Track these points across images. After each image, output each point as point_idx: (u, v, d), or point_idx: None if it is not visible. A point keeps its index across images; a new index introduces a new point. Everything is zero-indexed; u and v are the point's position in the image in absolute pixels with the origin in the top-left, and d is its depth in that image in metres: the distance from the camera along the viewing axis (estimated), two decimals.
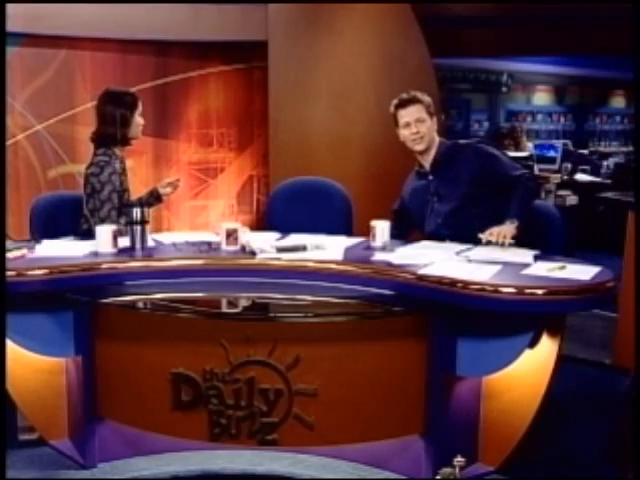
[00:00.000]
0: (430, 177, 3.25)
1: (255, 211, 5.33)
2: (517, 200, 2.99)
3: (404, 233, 3.31)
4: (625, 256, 3.88)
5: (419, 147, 3.20)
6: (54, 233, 3.17)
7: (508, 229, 2.89)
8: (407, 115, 3.17)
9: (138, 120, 3.35)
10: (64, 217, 3.38)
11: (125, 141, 3.35)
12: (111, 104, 3.32)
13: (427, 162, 3.25)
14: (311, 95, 4.92)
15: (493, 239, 2.86)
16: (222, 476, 2.73)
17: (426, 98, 3.21)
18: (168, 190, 3.49)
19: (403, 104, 3.19)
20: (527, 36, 6.88)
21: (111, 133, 3.30)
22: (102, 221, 3.17)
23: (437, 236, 3.19)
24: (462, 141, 3.30)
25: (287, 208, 3.70)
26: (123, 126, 3.30)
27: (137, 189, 3.64)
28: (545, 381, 2.60)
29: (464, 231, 3.06)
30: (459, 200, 3.14)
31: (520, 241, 2.93)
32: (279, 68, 4.87)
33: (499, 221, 2.96)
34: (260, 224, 5.05)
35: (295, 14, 4.87)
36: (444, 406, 2.62)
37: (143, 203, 3.16)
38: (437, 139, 3.24)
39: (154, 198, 3.48)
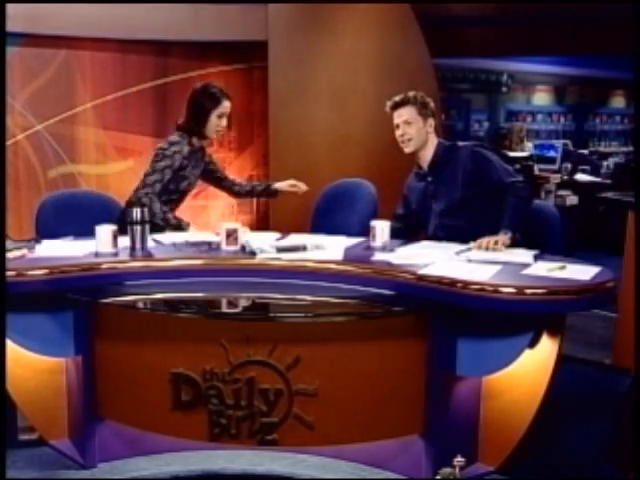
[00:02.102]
0: (429, 178, 3.25)
1: (255, 211, 5.33)
2: (510, 210, 2.99)
3: (409, 238, 3.28)
4: (625, 256, 3.88)
5: (406, 150, 3.21)
6: (63, 232, 3.16)
7: (501, 238, 2.91)
8: (397, 117, 3.19)
9: (214, 120, 3.37)
10: (71, 217, 3.37)
11: (200, 133, 3.41)
12: (197, 94, 3.40)
13: (425, 163, 3.25)
14: (311, 95, 4.92)
15: (483, 246, 2.87)
16: (222, 476, 2.73)
17: (421, 99, 3.19)
18: (285, 186, 3.63)
19: (395, 106, 3.20)
20: (527, 36, 6.89)
21: (188, 121, 3.41)
22: (144, 187, 3.31)
23: (435, 237, 3.19)
24: (460, 143, 3.29)
25: (329, 209, 3.76)
26: (199, 117, 3.37)
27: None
28: (545, 381, 2.60)
29: (457, 233, 3.07)
30: (453, 202, 3.15)
31: (518, 244, 2.94)
32: (279, 68, 4.87)
33: (491, 225, 2.97)
34: (260, 224, 5.06)
35: (295, 14, 4.87)
36: (444, 406, 2.62)
37: (253, 192, 3.70)
38: (435, 140, 3.23)
39: (266, 192, 3.72)
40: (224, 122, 3.41)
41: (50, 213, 3.42)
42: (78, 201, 3.54)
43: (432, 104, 3.23)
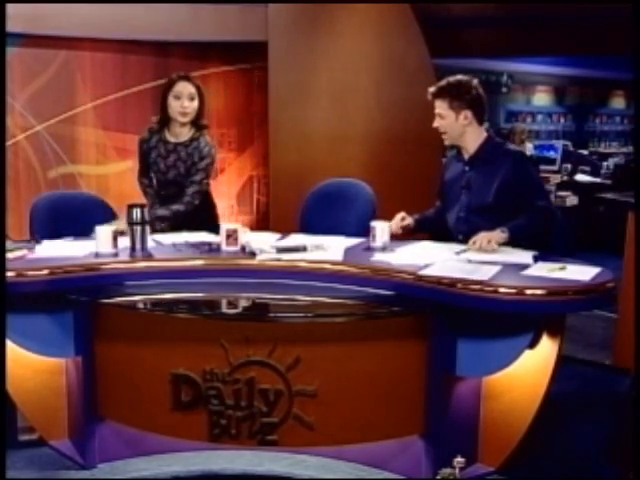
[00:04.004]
0: (467, 168, 3.15)
1: (255, 211, 5.33)
2: (523, 220, 2.95)
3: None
4: (625, 256, 3.88)
5: (445, 142, 3.15)
6: (56, 233, 3.16)
7: (496, 236, 2.88)
8: (435, 107, 3.09)
9: (172, 102, 3.45)
10: (66, 217, 3.37)
11: (165, 121, 3.51)
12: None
13: (466, 154, 3.15)
14: (311, 95, 4.92)
15: (476, 246, 2.85)
16: (222, 476, 2.73)
17: (456, 90, 3.03)
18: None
19: (431, 95, 3.09)
20: (527, 36, 6.86)
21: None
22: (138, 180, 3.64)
23: (455, 230, 3.16)
24: (510, 146, 3.18)
25: (320, 209, 3.73)
26: (161, 106, 3.49)
27: (137, 189, 3.65)
28: (545, 381, 2.60)
29: (477, 232, 3.03)
30: (484, 201, 3.06)
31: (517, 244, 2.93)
32: (279, 68, 4.87)
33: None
34: (260, 224, 5.05)
35: (295, 14, 4.87)
36: (444, 406, 2.62)
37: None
38: (480, 133, 3.10)
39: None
40: (185, 102, 3.44)
41: (43, 214, 3.42)
42: (70, 202, 3.54)
43: (474, 92, 3.05)
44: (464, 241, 3.05)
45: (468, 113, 3.05)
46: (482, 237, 2.88)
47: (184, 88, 3.44)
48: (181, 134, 3.51)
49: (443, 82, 3.09)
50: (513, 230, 2.92)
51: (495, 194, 3.03)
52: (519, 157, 3.12)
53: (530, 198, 3.00)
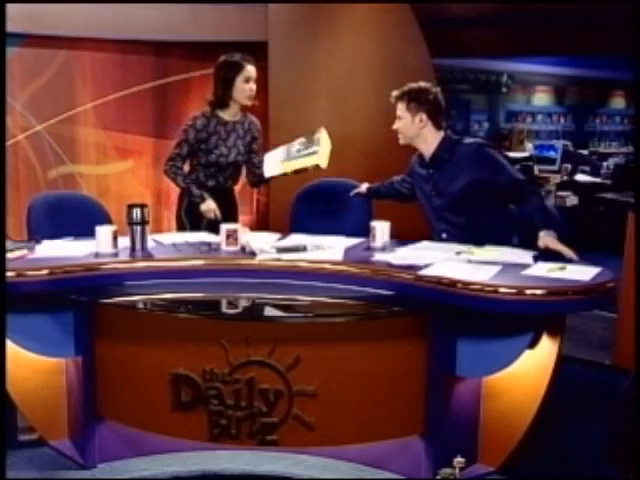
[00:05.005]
0: (430, 171, 3.21)
1: (255, 211, 5.32)
2: (537, 211, 2.94)
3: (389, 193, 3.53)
4: (625, 256, 3.88)
5: (399, 141, 3.23)
6: (52, 234, 3.17)
7: (557, 242, 2.83)
8: (396, 110, 3.21)
9: (242, 85, 3.47)
10: (63, 217, 3.38)
11: (226, 104, 3.52)
12: (219, 67, 3.54)
13: (426, 155, 3.21)
14: (311, 95, 4.92)
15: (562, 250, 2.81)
16: (222, 476, 2.73)
17: (414, 93, 3.14)
18: None
19: (394, 99, 3.20)
20: (527, 36, 6.88)
21: (213, 95, 3.55)
22: (167, 160, 3.53)
23: (438, 229, 3.20)
24: (467, 140, 3.20)
25: (309, 209, 3.73)
26: (224, 87, 3.48)
27: (137, 189, 3.66)
28: (545, 381, 2.61)
29: (460, 230, 3.08)
30: (457, 198, 3.11)
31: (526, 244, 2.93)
32: (279, 68, 4.87)
33: (492, 224, 3.01)
34: (260, 224, 5.05)
35: (295, 14, 4.87)
36: (444, 406, 2.62)
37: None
38: (436, 134, 3.16)
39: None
40: (253, 86, 3.51)
41: (39, 215, 3.41)
42: (65, 203, 3.53)
43: (431, 97, 3.15)
44: (448, 239, 3.13)
45: (423, 116, 3.15)
46: (553, 244, 2.82)
47: (253, 72, 3.51)
48: (237, 113, 3.58)
49: (405, 87, 3.19)
50: (549, 225, 2.88)
51: (464, 190, 3.08)
52: (482, 148, 3.13)
53: (512, 180, 3.03)
